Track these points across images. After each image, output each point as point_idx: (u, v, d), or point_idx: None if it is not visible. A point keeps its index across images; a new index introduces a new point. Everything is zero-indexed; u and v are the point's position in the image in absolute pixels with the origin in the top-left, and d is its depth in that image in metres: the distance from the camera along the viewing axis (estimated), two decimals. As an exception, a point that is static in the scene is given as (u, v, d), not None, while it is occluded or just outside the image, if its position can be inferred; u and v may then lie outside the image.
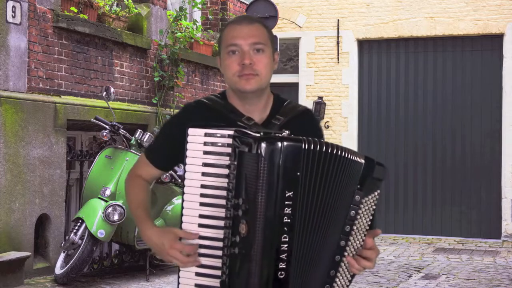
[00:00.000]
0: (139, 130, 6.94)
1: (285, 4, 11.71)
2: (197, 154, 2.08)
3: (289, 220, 1.99)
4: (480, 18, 10.85)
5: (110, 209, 6.25)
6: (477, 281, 7.37)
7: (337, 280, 2.14)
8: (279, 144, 1.97)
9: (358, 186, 2.10)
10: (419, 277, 7.60)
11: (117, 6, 8.11)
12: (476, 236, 10.73)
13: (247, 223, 1.98)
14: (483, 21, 10.83)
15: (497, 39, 10.81)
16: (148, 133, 6.88)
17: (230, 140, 2.02)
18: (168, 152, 2.28)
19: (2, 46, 6.26)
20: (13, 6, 6.35)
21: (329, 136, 11.45)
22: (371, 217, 2.15)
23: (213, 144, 2.06)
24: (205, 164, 2.07)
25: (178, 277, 2.15)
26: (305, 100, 11.70)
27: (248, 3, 10.48)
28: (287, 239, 1.99)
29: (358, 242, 2.15)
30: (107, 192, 6.47)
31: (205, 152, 2.07)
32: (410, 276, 7.61)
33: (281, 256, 2.00)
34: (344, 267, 2.16)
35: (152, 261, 7.12)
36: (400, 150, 11.28)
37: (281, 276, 2.01)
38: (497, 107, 10.74)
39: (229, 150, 2.02)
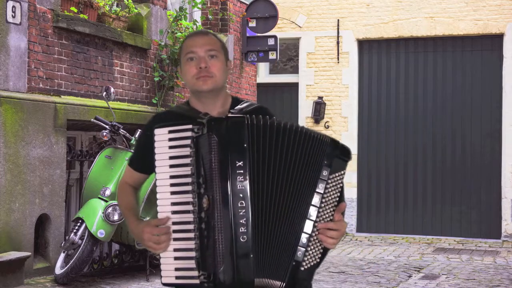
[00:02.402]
0: (139, 130, 6.93)
1: (285, 4, 11.71)
2: (164, 150, 2.34)
3: (243, 188, 2.25)
4: (480, 18, 10.85)
5: (110, 209, 6.25)
6: (477, 281, 7.37)
7: (309, 249, 2.32)
8: (224, 121, 2.30)
9: (326, 162, 2.33)
10: (419, 277, 7.60)
11: (117, 6, 8.11)
12: (476, 236, 10.73)
13: (208, 197, 2.25)
14: (483, 21, 10.83)
15: (497, 39, 10.81)
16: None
17: (190, 133, 2.30)
18: (145, 156, 2.55)
19: (2, 46, 6.26)
20: (13, 6, 6.35)
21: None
22: (338, 194, 2.35)
23: (176, 139, 2.33)
24: (171, 157, 2.33)
25: (160, 264, 2.36)
26: (305, 100, 11.71)
27: (248, 3, 10.48)
28: (243, 205, 2.25)
29: (327, 214, 2.34)
30: (107, 192, 6.47)
31: (170, 147, 2.34)
32: (410, 276, 7.61)
33: (241, 221, 2.24)
34: (315, 237, 2.33)
35: (152, 261, 7.12)
36: (400, 150, 11.28)
37: (243, 240, 2.24)
38: (497, 107, 10.75)
39: (189, 141, 2.30)
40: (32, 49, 6.59)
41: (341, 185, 2.35)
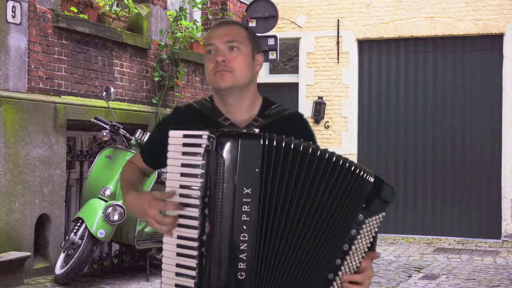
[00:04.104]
0: (139, 130, 6.94)
1: (285, 4, 11.71)
2: (177, 155, 2.08)
3: (248, 218, 1.95)
4: (480, 18, 10.85)
5: (110, 209, 6.25)
6: (477, 281, 7.37)
7: None
8: (236, 139, 1.96)
9: (364, 205, 2.04)
10: (419, 277, 7.60)
11: (117, 6, 8.11)
12: (476, 236, 10.73)
13: (210, 222, 1.97)
14: (483, 21, 10.83)
15: (497, 39, 10.81)
16: (148, 133, 6.88)
17: (205, 141, 2.00)
18: (156, 151, 2.32)
19: (2, 46, 6.26)
20: (13, 6, 6.35)
21: (329, 136, 11.45)
22: (371, 239, 2.07)
23: (190, 145, 2.06)
24: (184, 165, 2.06)
25: (161, 276, 2.15)
26: (305, 100, 11.70)
27: (248, 3, 10.48)
28: (246, 238, 1.95)
29: (355, 263, 2.07)
30: (107, 192, 6.47)
31: (184, 153, 2.06)
32: (410, 276, 7.61)
33: (240, 256, 1.95)
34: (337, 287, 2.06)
35: (152, 261, 7.12)
36: (400, 150, 11.28)
37: (241, 277, 1.96)
38: (497, 107, 10.74)
39: (203, 150, 2.01)
40: (32, 49, 6.59)
41: (376, 229, 2.06)
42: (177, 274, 2.08)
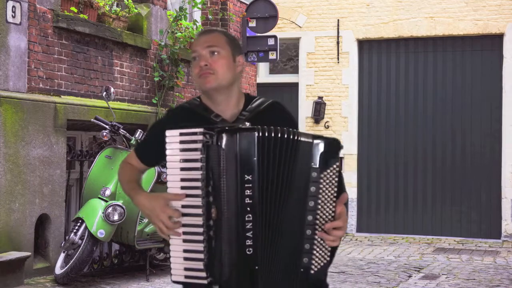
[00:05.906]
0: (139, 130, 6.94)
1: (285, 4, 11.71)
2: (175, 152, 2.34)
3: (250, 201, 2.25)
4: (480, 18, 10.85)
5: (110, 209, 6.25)
6: (477, 281, 7.37)
7: (315, 252, 2.32)
8: (235, 134, 2.25)
9: (312, 164, 2.30)
10: (419, 277, 7.60)
11: (117, 6, 8.11)
12: (476, 236, 10.73)
13: (216, 208, 2.25)
14: (483, 21, 10.83)
15: (497, 39, 10.81)
16: (148, 133, 6.88)
17: (201, 137, 2.28)
18: (153, 150, 2.58)
19: (2, 46, 6.26)
20: (13, 6, 6.35)
21: (329, 136, 11.44)
22: (335, 189, 2.32)
23: (187, 142, 2.32)
24: (183, 160, 2.33)
25: (170, 263, 2.38)
26: (305, 100, 11.71)
27: (248, 3, 10.48)
28: (250, 218, 2.25)
29: (327, 214, 2.32)
30: (107, 192, 6.47)
31: (182, 150, 2.33)
32: (410, 276, 7.61)
33: (247, 234, 2.25)
34: (320, 240, 2.33)
35: (152, 261, 7.12)
36: (400, 150, 11.28)
37: (249, 252, 2.25)
38: (497, 107, 10.75)
39: (200, 145, 2.28)
40: (32, 49, 6.59)
41: (336, 178, 2.32)
42: (186, 259, 2.34)
